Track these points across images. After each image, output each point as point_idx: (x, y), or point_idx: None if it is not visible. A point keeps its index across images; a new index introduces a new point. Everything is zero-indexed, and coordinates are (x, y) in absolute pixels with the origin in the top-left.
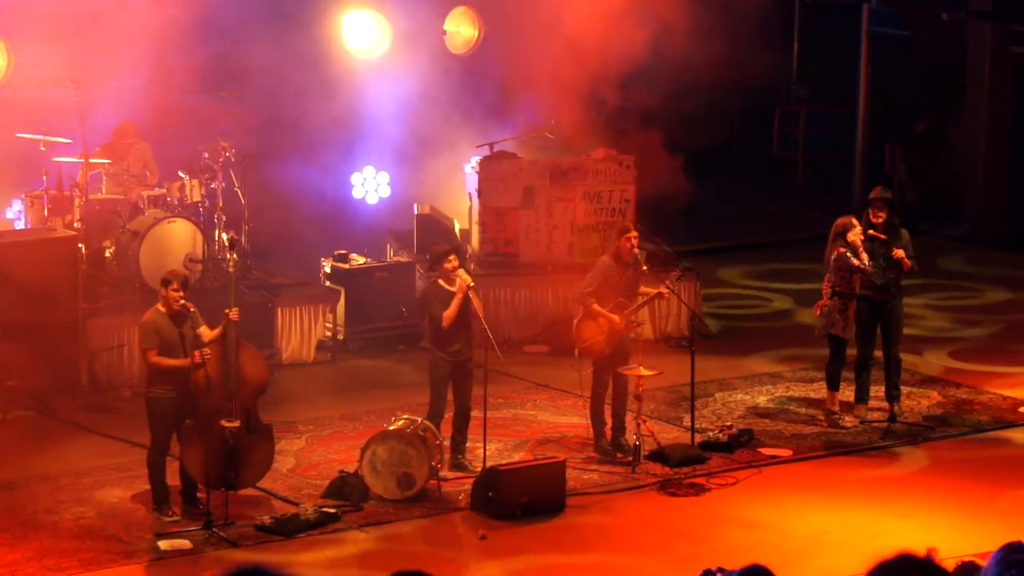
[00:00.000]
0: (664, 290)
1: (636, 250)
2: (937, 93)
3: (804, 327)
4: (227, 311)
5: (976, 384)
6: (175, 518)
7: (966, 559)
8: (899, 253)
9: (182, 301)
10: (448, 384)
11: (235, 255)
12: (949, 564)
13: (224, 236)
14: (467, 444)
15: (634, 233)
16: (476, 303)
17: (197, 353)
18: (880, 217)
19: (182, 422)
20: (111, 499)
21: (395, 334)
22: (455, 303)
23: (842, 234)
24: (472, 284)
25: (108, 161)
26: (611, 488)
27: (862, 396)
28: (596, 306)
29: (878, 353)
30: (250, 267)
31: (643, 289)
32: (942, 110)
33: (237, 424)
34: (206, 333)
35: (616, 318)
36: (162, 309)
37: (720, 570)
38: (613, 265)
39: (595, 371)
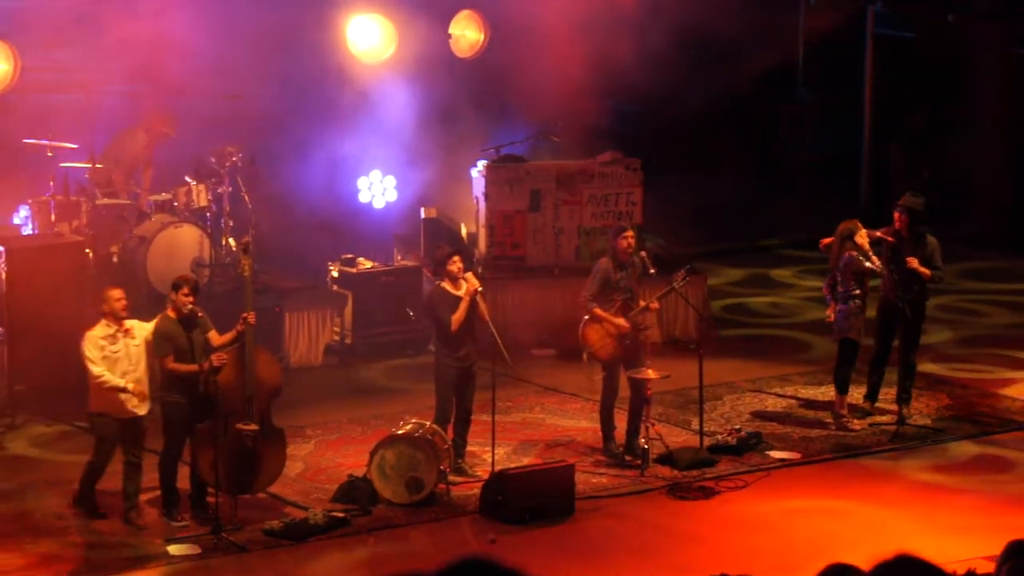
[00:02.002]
0: (655, 304)
1: (632, 250)
2: (939, 92)
3: (813, 330)
4: (244, 315)
5: (985, 387)
6: (184, 523)
7: (972, 565)
8: (912, 262)
9: (191, 305)
10: (454, 388)
11: (250, 259)
12: (958, 568)
13: (232, 241)
14: (468, 448)
15: (630, 232)
16: (482, 307)
17: (215, 357)
18: (901, 222)
19: (194, 426)
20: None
21: (403, 338)
22: (462, 307)
23: (848, 237)
24: (479, 288)
25: (100, 165)
26: (620, 492)
27: (872, 395)
28: (599, 310)
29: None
30: (257, 271)
31: (641, 301)
32: (942, 109)
33: (255, 427)
34: (215, 337)
35: (621, 321)
36: (171, 315)
37: None
38: (611, 267)
39: (605, 375)
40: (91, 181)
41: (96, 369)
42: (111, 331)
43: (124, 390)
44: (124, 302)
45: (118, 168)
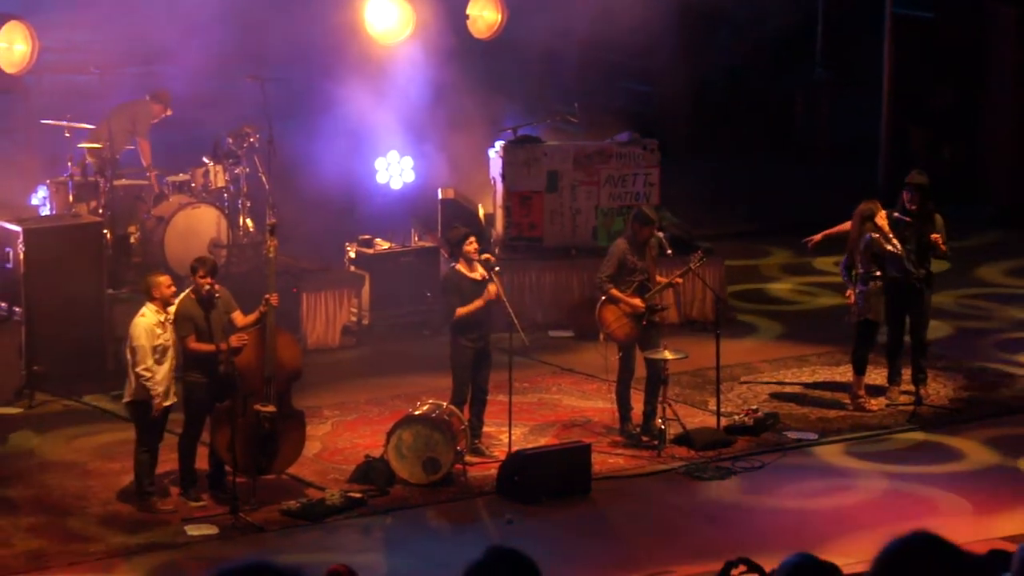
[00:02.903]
0: (678, 279)
1: (654, 238)
2: (959, 73)
3: (829, 311)
4: (267, 296)
5: (1002, 367)
6: (202, 503)
7: (997, 545)
8: (937, 239)
9: (208, 286)
10: (470, 369)
11: (275, 240)
12: (979, 548)
13: (249, 222)
14: (484, 428)
15: (656, 226)
16: (499, 289)
17: (235, 337)
18: (913, 202)
19: (213, 406)
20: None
21: (420, 319)
22: (476, 304)
23: (868, 218)
24: (497, 268)
25: (132, 147)
26: (637, 472)
27: (895, 378)
28: (615, 291)
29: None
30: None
31: (659, 279)
32: (962, 90)
33: (273, 409)
34: (239, 318)
35: (637, 301)
36: (192, 296)
37: (743, 561)
38: (628, 249)
39: (621, 355)
40: (106, 160)
41: (147, 362)
42: (161, 318)
43: (158, 395)
44: (174, 288)
45: (130, 141)
